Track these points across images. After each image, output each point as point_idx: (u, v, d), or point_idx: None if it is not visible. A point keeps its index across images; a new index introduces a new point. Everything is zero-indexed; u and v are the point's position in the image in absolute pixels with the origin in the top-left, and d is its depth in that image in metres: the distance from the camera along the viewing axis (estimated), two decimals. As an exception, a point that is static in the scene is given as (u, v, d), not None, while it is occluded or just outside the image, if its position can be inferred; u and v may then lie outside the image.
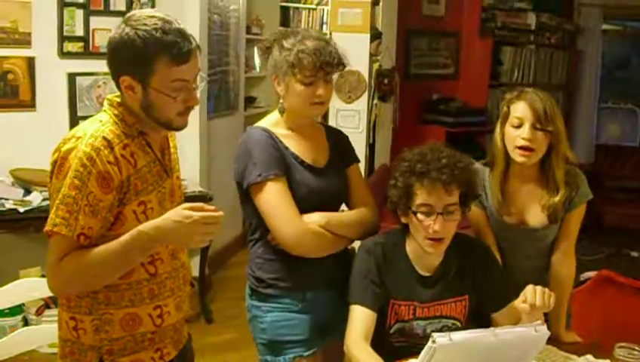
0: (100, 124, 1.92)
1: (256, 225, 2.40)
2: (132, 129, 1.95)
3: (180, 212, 1.84)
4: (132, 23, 1.87)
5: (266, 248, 2.39)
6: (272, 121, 2.43)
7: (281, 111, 2.40)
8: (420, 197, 2.22)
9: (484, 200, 2.61)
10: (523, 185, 2.58)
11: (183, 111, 1.95)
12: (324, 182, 2.40)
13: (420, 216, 2.22)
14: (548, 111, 2.44)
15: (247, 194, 2.34)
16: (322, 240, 2.33)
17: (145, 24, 1.86)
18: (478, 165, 2.62)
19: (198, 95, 1.99)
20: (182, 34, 1.88)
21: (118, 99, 1.97)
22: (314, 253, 2.34)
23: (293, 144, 2.39)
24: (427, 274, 2.34)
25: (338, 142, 2.55)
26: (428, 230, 2.21)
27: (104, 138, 1.87)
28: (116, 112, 1.95)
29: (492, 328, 1.90)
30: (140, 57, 1.86)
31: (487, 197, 2.61)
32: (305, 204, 2.32)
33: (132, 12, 1.93)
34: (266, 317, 2.40)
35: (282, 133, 2.39)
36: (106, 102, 1.99)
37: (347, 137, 2.62)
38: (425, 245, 2.26)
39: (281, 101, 2.38)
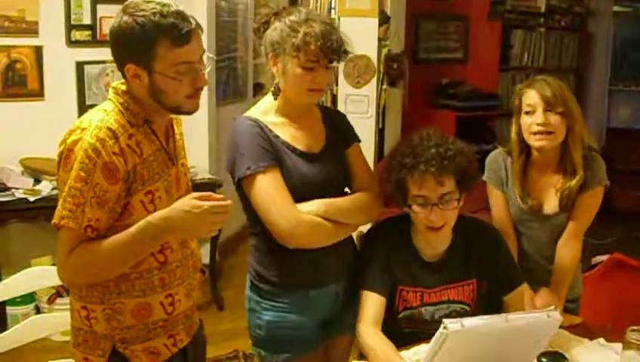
0: (105, 114, 1.91)
1: (255, 218, 2.26)
2: (137, 118, 1.94)
3: (188, 202, 1.83)
4: (130, 11, 1.86)
5: (265, 243, 2.29)
6: (262, 109, 2.31)
7: (275, 94, 2.29)
8: (413, 190, 2.21)
9: (504, 184, 2.63)
10: (543, 174, 2.59)
11: (191, 93, 1.93)
12: (320, 169, 2.28)
13: (415, 207, 2.21)
14: (557, 95, 2.44)
15: (240, 188, 2.25)
16: (320, 229, 2.21)
17: (142, 10, 1.84)
18: (499, 151, 2.65)
19: (206, 76, 1.97)
20: (181, 15, 1.86)
21: (124, 87, 1.96)
22: (312, 244, 2.23)
23: (285, 132, 2.27)
24: (433, 260, 2.34)
25: (335, 123, 2.43)
26: (425, 221, 2.21)
27: (109, 128, 1.86)
28: (121, 100, 1.94)
29: (504, 314, 1.89)
30: (141, 43, 1.84)
31: (507, 182, 2.61)
32: (301, 193, 2.21)
33: (130, 0, 1.92)
34: (263, 315, 2.32)
35: (273, 120, 2.27)
36: (111, 91, 1.98)
37: (345, 116, 2.51)
38: (425, 233, 2.26)
39: (276, 82, 2.27)
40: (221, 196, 1.86)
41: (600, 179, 2.55)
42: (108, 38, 1.93)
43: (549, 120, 2.44)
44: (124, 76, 1.93)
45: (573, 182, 2.50)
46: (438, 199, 2.18)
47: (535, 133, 2.47)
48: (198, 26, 1.91)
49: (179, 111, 1.98)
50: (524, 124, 2.50)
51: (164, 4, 1.87)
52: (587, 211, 2.56)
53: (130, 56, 1.88)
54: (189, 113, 1.99)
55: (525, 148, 2.56)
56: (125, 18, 1.85)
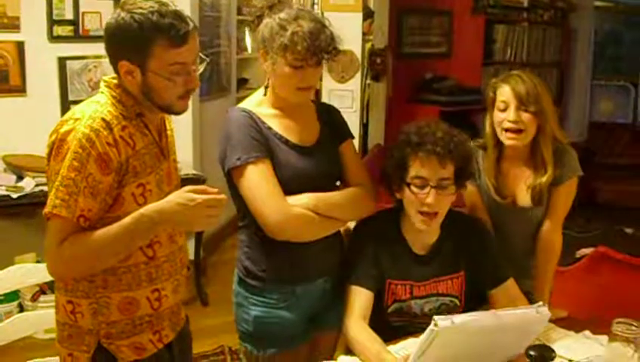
0: (99, 105, 1.90)
1: (244, 212, 2.26)
2: (130, 111, 1.93)
3: (183, 195, 1.84)
4: (128, 7, 1.85)
5: (253, 237, 2.29)
6: (255, 101, 2.31)
7: (267, 88, 2.28)
8: (414, 169, 2.21)
9: (476, 178, 2.63)
10: (514, 166, 2.61)
11: (183, 94, 1.94)
12: (312, 162, 2.27)
13: (413, 188, 2.21)
14: (531, 93, 2.46)
15: (230, 179, 2.25)
16: (309, 223, 2.21)
17: (140, 7, 1.84)
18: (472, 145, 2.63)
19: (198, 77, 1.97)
20: (179, 16, 1.86)
21: (115, 81, 1.95)
22: (301, 237, 2.23)
23: (278, 124, 2.26)
24: (422, 253, 2.35)
25: (329, 118, 2.41)
26: (421, 203, 2.21)
27: (103, 119, 1.85)
28: (114, 94, 1.94)
29: (493, 310, 1.90)
30: (137, 41, 1.84)
31: (480, 176, 2.62)
32: (293, 186, 2.20)
33: None
34: (251, 310, 2.31)
35: (266, 112, 2.26)
36: (102, 84, 1.97)
37: (339, 112, 2.48)
38: (417, 220, 2.25)
39: (268, 78, 2.27)
40: (216, 190, 1.86)
41: (574, 170, 2.58)
42: (103, 33, 1.92)
43: (520, 118, 2.46)
44: (117, 72, 1.92)
45: (544, 179, 2.53)
46: (436, 182, 2.20)
47: (506, 130, 2.49)
48: (195, 27, 1.91)
49: (169, 110, 1.98)
50: (497, 120, 2.52)
51: (163, 4, 1.86)
52: (564, 203, 2.60)
53: (125, 54, 1.87)
54: (178, 113, 2.00)
55: (498, 141, 2.57)
56: (123, 15, 1.84)
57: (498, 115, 2.51)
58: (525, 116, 2.46)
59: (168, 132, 2.13)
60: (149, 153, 1.96)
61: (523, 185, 2.59)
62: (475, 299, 2.35)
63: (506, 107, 2.48)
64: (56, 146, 1.85)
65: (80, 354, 2.00)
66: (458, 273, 2.36)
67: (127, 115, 1.93)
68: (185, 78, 1.91)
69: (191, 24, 1.89)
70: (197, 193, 1.83)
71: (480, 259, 2.36)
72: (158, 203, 1.86)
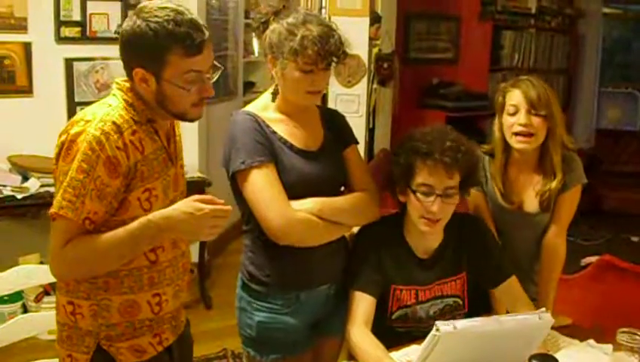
0: (110, 109, 1.90)
1: (248, 216, 2.25)
2: (141, 115, 1.93)
3: (190, 204, 1.83)
4: (143, 15, 1.84)
5: (258, 241, 2.28)
6: (261, 105, 2.30)
7: (274, 94, 2.28)
8: (421, 177, 2.21)
9: (483, 184, 2.62)
10: (522, 172, 2.61)
11: (197, 102, 1.93)
12: (316, 167, 2.26)
13: (419, 195, 2.21)
14: (541, 97, 2.46)
15: (234, 182, 2.24)
16: (313, 228, 2.20)
17: (156, 16, 1.83)
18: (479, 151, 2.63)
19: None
20: (195, 25, 1.85)
21: (128, 84, 1.94)
22: (305, 242, 2.21)
23: (283, 128, 2.25)
24: (425, 257, 2.34)
25: (334, 123, 2.41)
26: (425, 210, 2.21)
27: (114, 123, 1.85)
28: (126, 97, 1.93)
29: (496, 316, 1.90)
30: (153, 50, 1.83)
31: (487, 182, 2.62)
32: (297, 191, 2.19)
33: (144, 3, 1.90)
34: (254, 315, 2.30)
35: (271, 117, 2.26)
36: (114, 86, 1.97)
37: (344, 117, 2.48)
38: (419, 223, 2.25)
39: (275, 83, 2.27)
40: (222, 201, 1.86)
41: (579, 177, 2.59)
42: (119, 39, 1.91)
43: (531, 121, 2.46)
44: (131, 78, 1.91)
45: (554, 184, 2.54)
46: (442, 191, 2.19)
47: (517, 134, 2.49)
48: (210, 36, 1.90)
49: (183, 118, 1.98)
50: (506, 124, 2.52)
51: (179, 12, 1.85)
52: (569, 210, 2.60)
53: (141, 61, 1.86)
54: (192, 120, 1.99)
55: (507, 147, 2.57)
56: (138, 22, 1.83)
57: (508, 120, 2.51)
58: (536, 120, 2.46)
59: (177, 138, 2.13)
60: (157, 159, 1.96)
61: (531, 191, 2.58)
62: (479, 299, 2.35)
63: (516, 111, 2.48)
64: (66, 147, 1.84)
65: (79, 356, 2.00)
66: (461, 273, 2.36)
67: (138, 119, 1.92)
68: (199, 86, 1.91)
69: (206, 33, 1.88)
70: (204, 203, 1.83)
71: (481, 257, 2.36)
72: (165, 210, 1.86)
